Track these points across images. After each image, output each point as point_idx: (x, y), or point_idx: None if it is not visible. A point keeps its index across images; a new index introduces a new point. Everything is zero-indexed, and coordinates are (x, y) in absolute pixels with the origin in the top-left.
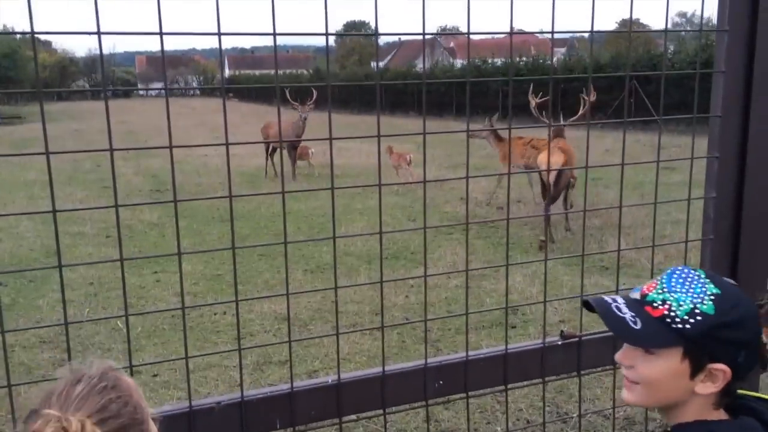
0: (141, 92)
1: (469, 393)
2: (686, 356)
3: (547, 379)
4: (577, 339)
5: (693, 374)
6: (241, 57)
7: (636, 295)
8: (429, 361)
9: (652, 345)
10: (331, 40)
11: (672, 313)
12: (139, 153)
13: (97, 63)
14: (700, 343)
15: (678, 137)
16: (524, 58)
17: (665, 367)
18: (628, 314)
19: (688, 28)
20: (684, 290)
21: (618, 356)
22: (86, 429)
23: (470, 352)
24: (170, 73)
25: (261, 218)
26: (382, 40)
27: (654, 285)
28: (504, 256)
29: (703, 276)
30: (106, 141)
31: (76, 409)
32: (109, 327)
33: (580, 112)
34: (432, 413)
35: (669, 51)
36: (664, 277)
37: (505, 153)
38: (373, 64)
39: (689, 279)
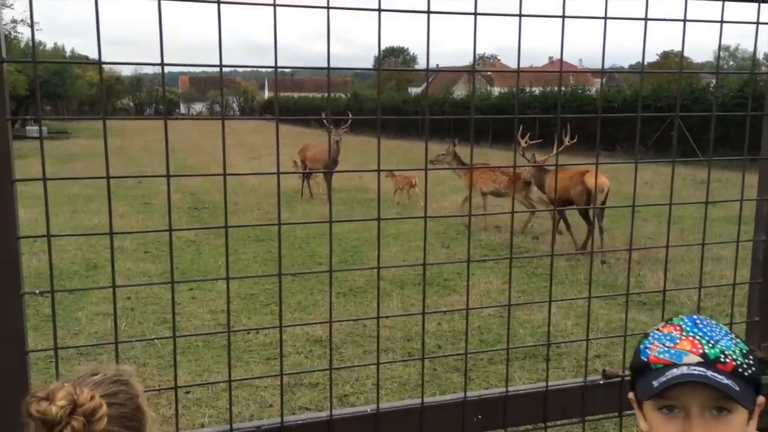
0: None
1: (508, 429)
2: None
3: (586, 418)
4: (619, 379)
5: (750, 417)
6: (281, 80)
7: (692, 358)
8: (468, 394)
9: (750, 401)
10: (370, 64)
11: (737, 362)
12: (178, 171)
13: (142, 82)
14: (760, 383)
15: (720, 172)
16: (564, 88)
17: (742, 420)
18: (723, 379)
19: (731, 63)
20: (718, 335)
21: None
22: (95, 400)
23: (510, 388)
24: (211, 93)
25: (296, 239)
26: (422, 66)
27: (695, 340)
28: (539, 286)
29: (701, 318)
30: (146, 157)
31: (88, 389)
32: (144, 342)
33: (554, 152)
34: None
35: (710, 85)
36: (695, 328)
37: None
38: (411, 89)
39: (705, 323)
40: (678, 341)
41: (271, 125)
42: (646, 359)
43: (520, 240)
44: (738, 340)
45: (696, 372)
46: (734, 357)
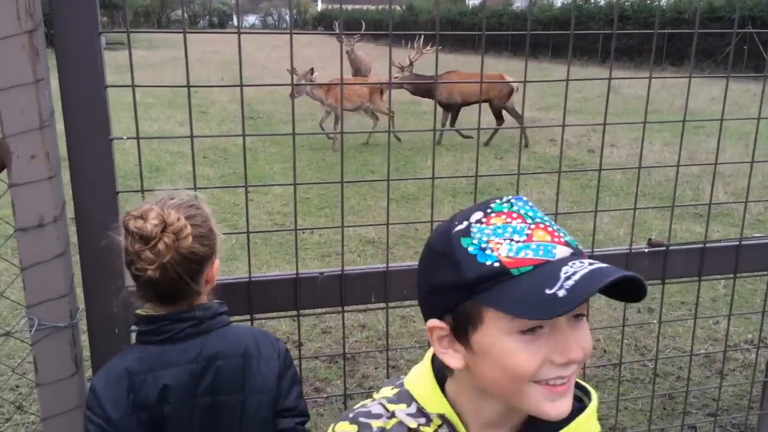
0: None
1: None
2: None
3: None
4: (664, 248)
5: None
6: None
7: (563, 250)
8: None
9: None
10: None
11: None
12: (236, 81)
13: None
14: None
15: None
16: None
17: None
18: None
19: None
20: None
21: (579, 352)
22: (180, 221)
23: None
24: (265, 5)
25: (348, 148)
26: None
27: (548, 228)
28: (593, 197)
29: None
30: (202, 68)
31: (174, 211)
32: None
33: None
34: None
35: None
36: (535, 212)
37: (336, 96)
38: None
39: (531, 203)
40: (529, 232)
41: (323, 39)
42: (494, 263)
43: (576, 153)
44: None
45: (605, 266)
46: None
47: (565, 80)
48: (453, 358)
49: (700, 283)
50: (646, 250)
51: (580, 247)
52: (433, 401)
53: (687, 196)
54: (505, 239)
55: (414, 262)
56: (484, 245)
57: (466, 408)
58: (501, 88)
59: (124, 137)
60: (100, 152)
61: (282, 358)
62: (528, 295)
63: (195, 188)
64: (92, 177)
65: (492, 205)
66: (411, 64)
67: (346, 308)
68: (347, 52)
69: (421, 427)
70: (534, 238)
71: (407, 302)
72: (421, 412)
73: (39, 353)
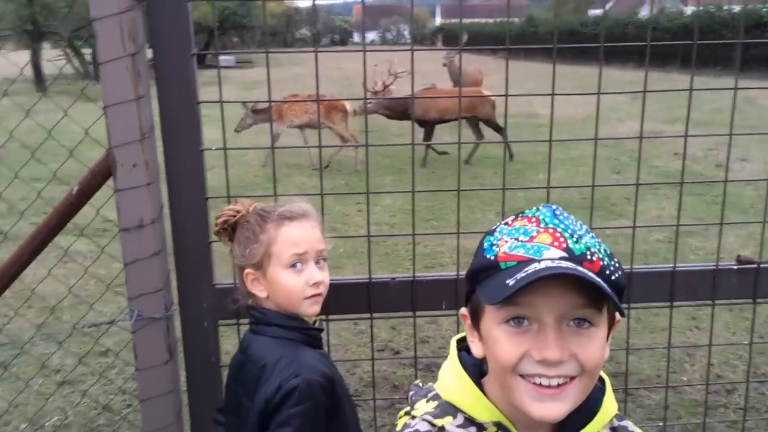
0: (356, 39)
1: (632, 305)
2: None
3: (718, 302)
4: (755, 265)
5: (608, 334)
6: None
7: (555, 252)
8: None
9: (617, 310)
10: None
11: (604, 263)
12: (353, 95)
13: (318, 13)
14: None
15: None
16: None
17: (603, 336)
18: (595, 277)
19: None
20: (581, 230)
21: (555, 352)
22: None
23: (635, 266)
24: (383, 21)
25: (449, 162)
26: None
27: (556, 233)
28: (718, 214)
29: (560, 210)
30: (324, 84)
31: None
32: None
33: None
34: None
35: None
36: (555, 219)
37: (278, 113)
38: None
39: (566, 215)
40: (535, 234)
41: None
42: (492, 257)
43: (702, 167)
44: (600, 240)
45: (564, 266)
46: (600, 256)
47: (641, 90)
48: (476, 347)
49: None
50: (735, 267)
51: (589, 255)
52: (483, 409)
53: None
54: (511, 238)
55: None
56: (495, 242)
57: (508, 407)
58: (483, 102)
59: (213, 148)
60: (192, 162)
61: (282, 392)
62: (496, 284)
63: (322, 194)
64: (185, 184)
65: (525, 211)
66: (385, 87)
67: (417, 313)
68: (444, 64)
69: None
70: (535, 240)
71: None
72: (469, 421)
73: (138, 341)
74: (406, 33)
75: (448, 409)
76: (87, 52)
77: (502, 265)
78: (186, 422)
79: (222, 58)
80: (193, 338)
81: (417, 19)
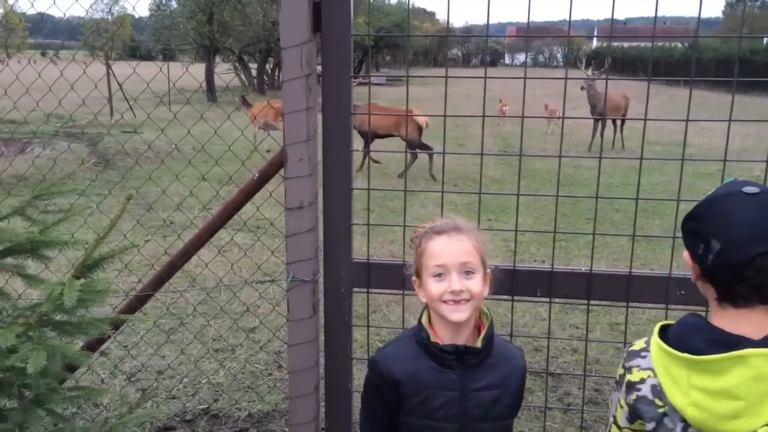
0: (506, 61)
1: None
2: None
3: None
4: None
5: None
6: (612, 27)
7: None
8: (673, 273)
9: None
10: (719, 11)
11: None
12: (495, 118)
13: (471, 32)
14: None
15: None
16: None
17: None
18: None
19: None
20: None
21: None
22: None
23: None
24: (536, 43)
25: (595, 186)
26: None
27: None
28: None
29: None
30: (468, 105)
31: None
32: None
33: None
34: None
35: None
36: None
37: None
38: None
39: None
40: None
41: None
42: None
43: None
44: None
45: None
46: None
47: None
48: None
49: None
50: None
51: None
52: None
53: None
54: None
55: (566, 267)
56: None
57: None
58: (404, 123)
59: (360, 149)
60: (343, 160)
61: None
62: None
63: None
64: (336, 177)
65: None
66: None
67: (515, 298)
68: (582, 87)
69: None
70: None
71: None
72: None
73: (291, 297)
74: (559, 55)
75: None
76: (253, 66)
77: None
78: (320, 367)
79: (374, 76)
80: (332, 300)
81: (571, 42)
